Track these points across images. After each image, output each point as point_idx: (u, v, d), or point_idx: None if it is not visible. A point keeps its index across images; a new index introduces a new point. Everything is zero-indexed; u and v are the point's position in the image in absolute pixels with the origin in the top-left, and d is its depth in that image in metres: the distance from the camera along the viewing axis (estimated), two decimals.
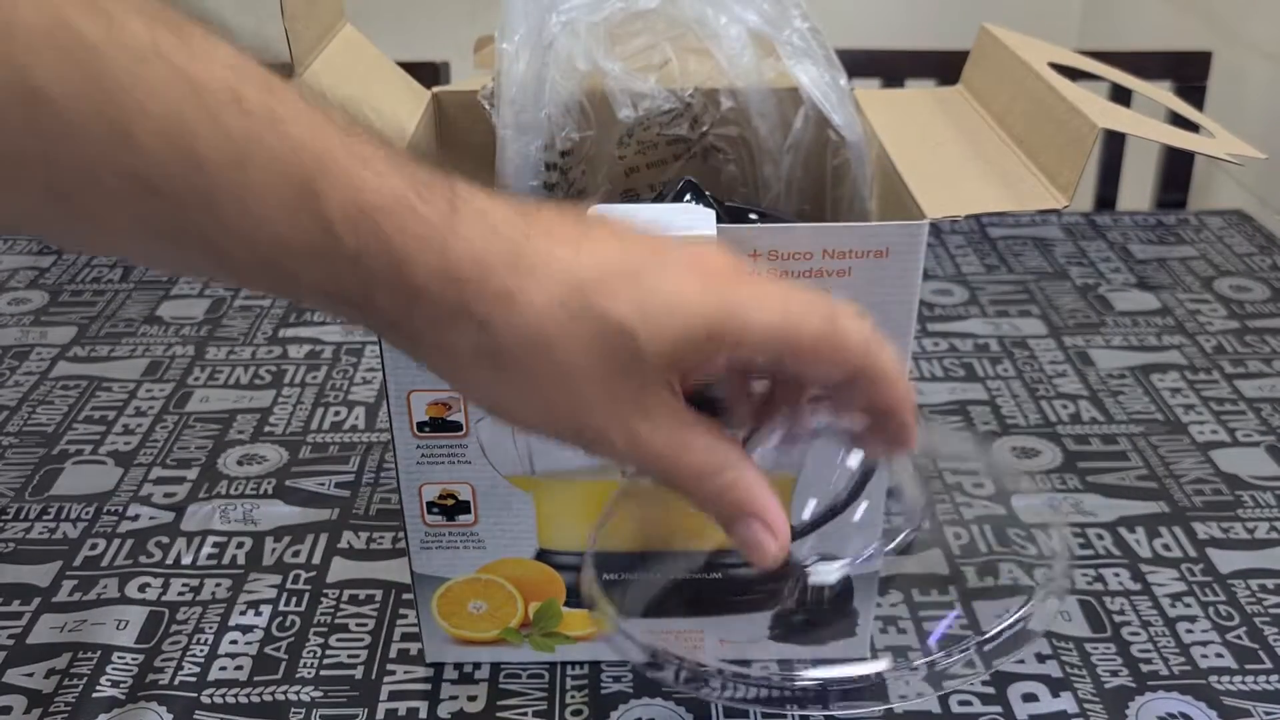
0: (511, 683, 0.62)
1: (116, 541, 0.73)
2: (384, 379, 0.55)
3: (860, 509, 0.55)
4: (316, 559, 0.71)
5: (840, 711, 0.60)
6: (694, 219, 0.51)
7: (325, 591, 0.69)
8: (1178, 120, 0.64)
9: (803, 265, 0.52)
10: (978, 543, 0.73)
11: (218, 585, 0.69)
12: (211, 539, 0.73)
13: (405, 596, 0.68)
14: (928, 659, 0.43)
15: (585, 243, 0.38)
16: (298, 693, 0.62)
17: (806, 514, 0.59)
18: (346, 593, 0.69)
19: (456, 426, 0.56)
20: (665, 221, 0.51)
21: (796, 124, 0.65)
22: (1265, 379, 0.90)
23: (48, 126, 0.32)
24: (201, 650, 0.64)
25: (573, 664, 0.63)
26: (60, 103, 0.32)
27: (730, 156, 0.67)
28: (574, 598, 0.61)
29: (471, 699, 0.61)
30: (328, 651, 0.64)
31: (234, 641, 0.65)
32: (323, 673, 0.63)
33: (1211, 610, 0.67)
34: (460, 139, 0.69)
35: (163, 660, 0.63)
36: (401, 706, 0.61)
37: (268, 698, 0.61)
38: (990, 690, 0.62)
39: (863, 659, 0.51)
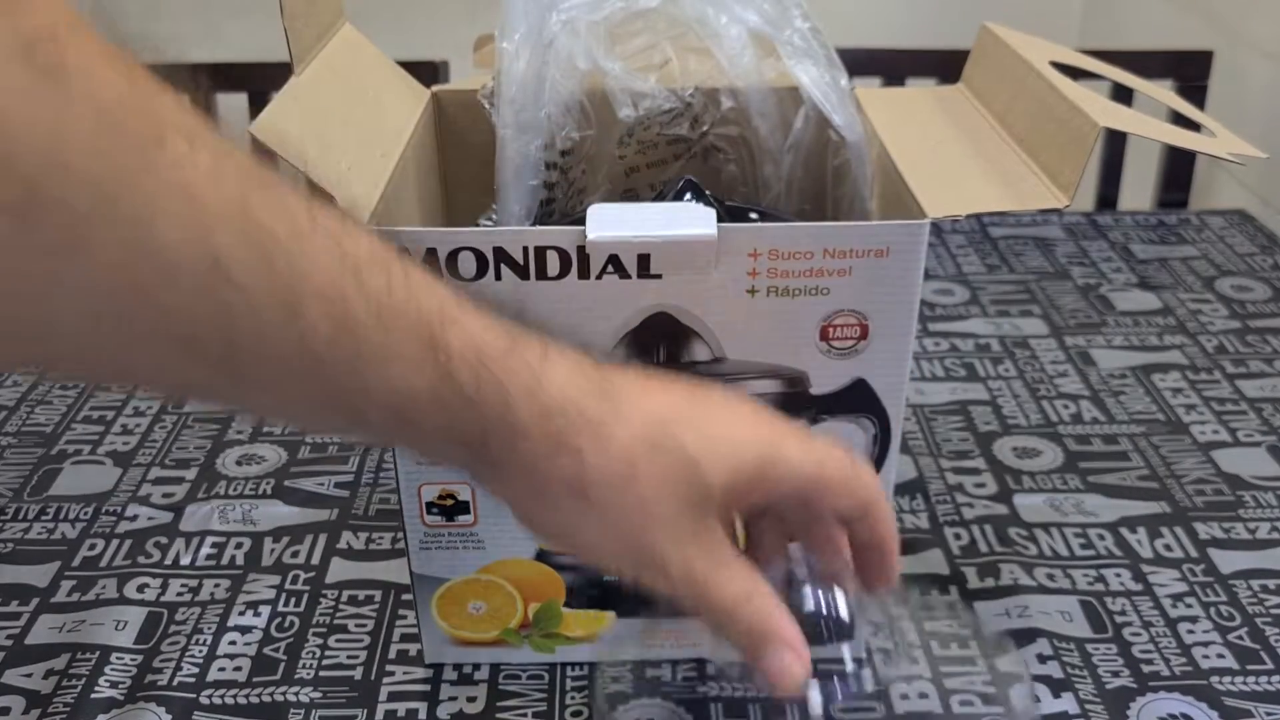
0: (511, 684, 0.62)
1: (115, 542, 0.72)
2: None
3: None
4: (315, 559, 0.71)
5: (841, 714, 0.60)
6: (694, 219, 0.51)
7: (324, 592, 0.69)
8: (1179, 119, 0.63)
9: (803, 265, 0.52)
10: (978, 543, 0.72)
11: (216, 586, 0.69)
12: (210, 539, 0.73)
13: (404, 597, 0.68)
14: None
15: (651, 387, 0.43)
16: (297, 693, 0.62)
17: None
18: (346, 593, 0.69)
19: None
20: (666, 221, 0.51)
21: (797, 124, 0.64)
22: (1267, 379, 0.90)
23: (227, 298, 0.34)
24: (200, 651, 0.64)
25: (572, 665, 0.63)
26: (237, 274, 0.34)
27: (731, 156, 0.67)
28: (574, 598, 0.61)
29: (471, 700, 0.61)
30: (327, 652, 0.64)
31: (233, 642, 0.65)
32: (322, 673, 0.63)
33: (1213, 611, 0.67)
34: (460, 138, 0.69)
35: (161, 661, 0.63)
36: (401, 707, 0.61)
37: (267, 698, 0.61)
38: (991, 690, 0.62)
39: None
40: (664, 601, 0.43)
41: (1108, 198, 1.29)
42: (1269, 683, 0.62)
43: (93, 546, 0.72)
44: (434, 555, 0.60)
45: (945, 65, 1.23)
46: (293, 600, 0.68)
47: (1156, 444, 0.82)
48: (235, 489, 0.77)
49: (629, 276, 0.52)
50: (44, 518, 0.75)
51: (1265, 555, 0.72)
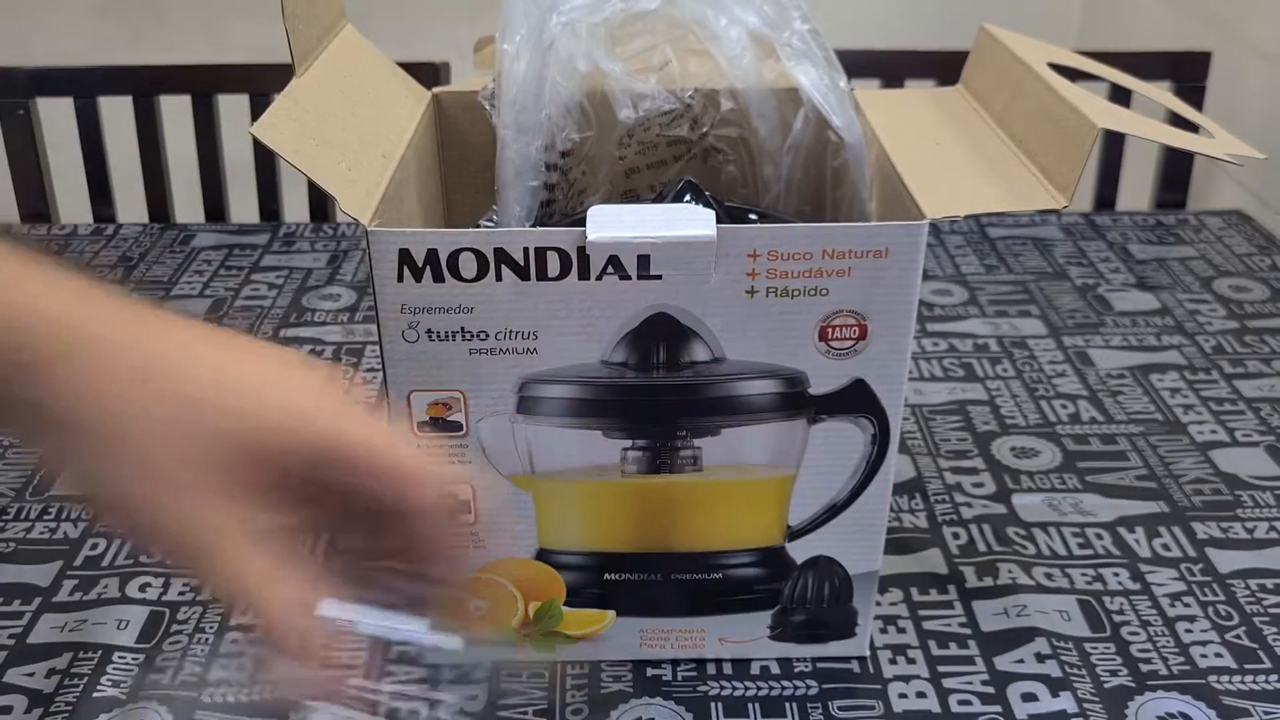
0: (512, 682, 0.62)
1: (117, 541, 0.73)
2: (385, 379, 0.56)
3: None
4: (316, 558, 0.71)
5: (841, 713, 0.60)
6: (694, 220, 0.51)
7: None
8: (1177, 120, 0.64)
9: (802, 265, 0.52)
10: (976, 542, 0.73)
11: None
12: None
13: None
14: None
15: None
16: None
17: (807, 513, 0.59)
18: None
19: (457, 426, 0.56)
20: (665, 222, 0.51)
21: (796, 125, 0.65)
22: (1264, 379, 0.90)
23: None
24: (202, 650, 0.64)
25: (573, 664, 0.64)
26: None
27: (730, 157, 0.67)
28: (574, 597, 0.61)
29: (471, 699, 0.62)
30: None
31: (234, 641, 0.65)
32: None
33: (1211, 610, 0.67)
34: (460, 139, 0.69)
35: (163, 660, 0.63)
36: (402, 707, 0.61)
37: (268, 697, 0.61)
38: (990, 690, 0.62)
39: None
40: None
41: (1106, 198, 1.30)
42: (1267, 682, 0.62)
43: (94, 546, 0.72)
44: None
45: (944, 67, 1.23)
46: None
47: (1154, 444, 0.82)
48: None
49: (629, 277, 0.52)
50: (46, 517, 0.75)
51: (1263, 555, 0.72)
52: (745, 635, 0.63)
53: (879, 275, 0.52)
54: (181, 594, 0.68)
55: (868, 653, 0.64)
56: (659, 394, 0.55)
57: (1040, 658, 0.64)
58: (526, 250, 0.51)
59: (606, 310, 0.53)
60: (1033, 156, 0.55)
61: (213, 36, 1.98)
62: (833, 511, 0.59)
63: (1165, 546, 0.72)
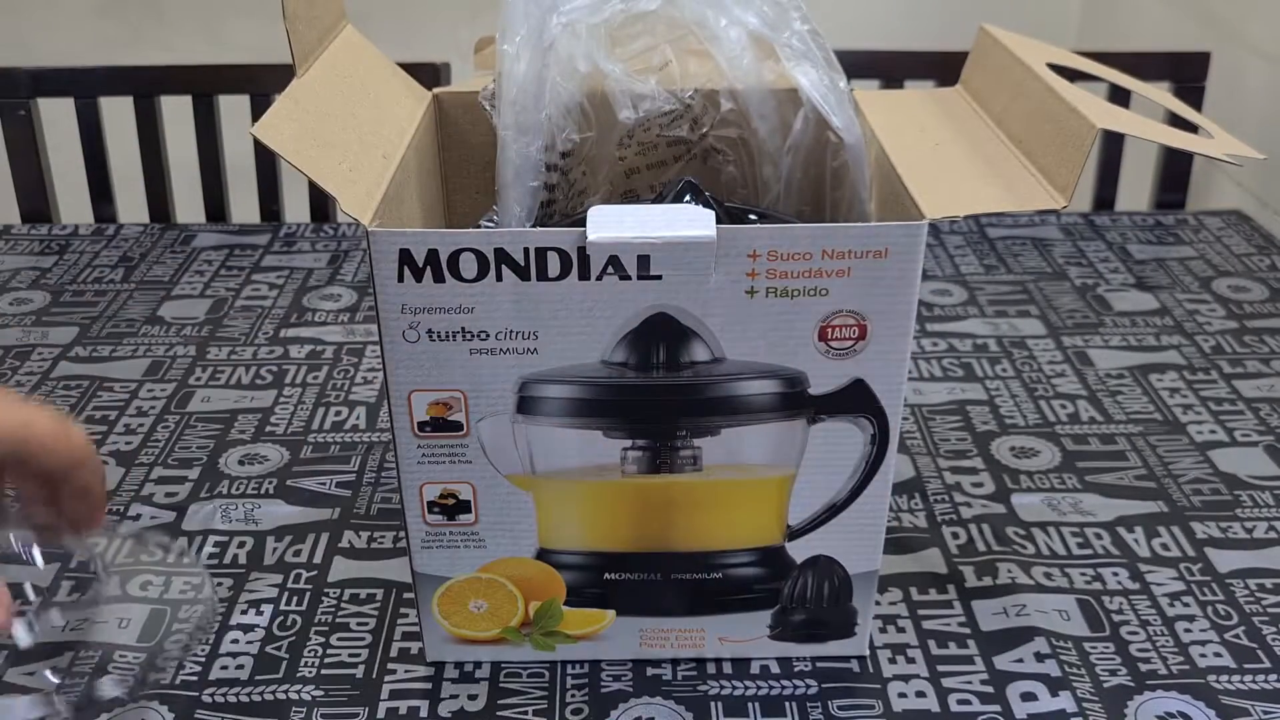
0: (512, 682, 0.63)
1: (118, 541, 0.73)
2: (385, 379, 0.56)
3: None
4: (318, 558, 0.72)
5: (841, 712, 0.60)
6: (694, 220, 0.51)
7: (326, 591, 0.69)
8: (1176, 121, 0.64)
9: (802, 265, 0.52)
10: (976, 542, 0.73)
11: (219, 584, 0.69)
12: (213, 538, 0.73)
13: (406, 596, 0.69)
14: None
15: None
16: (299, 692, 0.62)
17: (807, 513, 0.59)
18: (348, 592, 0.69)
19: (457, 426, 0.56)
20: (665, 222, 0.51)
21: (796, 126, 0.65)
22: (1264, 379, 0.90)
23: None
24: (203, 649, 0.64)
25: (573, 663, 0.64)
26: None
27: (730, 158, 0.67)
28: (574, 597, 0.61)
29: (472, 698, 0.62)
30: (329, 651, 0.65)
31: (235, 641, 0.65)
32: (324, 672, 0.63)
33: (1210, 610, 0.68)
34: (460, 140, 0.69)
35: (164, 659, 0.64)
36: (402, 705, 0.61)
37: (269, 697, 0.62)
38: (989, 690, 0.62)
39: None
40: None
41: (1105, 198, 1.30)
42: (1266, 681, 0.62)
43: (94, 546, 0.72)
44: (435, 554, 0.60)
45: (943, 67, 1.23)
46: (295, 599, 0.68)
47: (1154, 444, 0.82)
48: (238, 488, 0.78)
49: (629, 277, 0.52)
50: None
51: (1262, 554, 0.72)
52: (745, 635, 0.63)
53: (879, 275, 0.52)
54: (182, 593, 0.68)
55: (867, 652, 0.64)
56: (659, 394, 0.55)
57: (1039, 657, 0.64)
58: (527, 250, 0.51)
59: (606, 310, 0.53)
60: (1032, 157, 0.55)
61: (213, 37, 1.98)
62: (832, 511, 0.59)
63: (1164, 546, 0.73)
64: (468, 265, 0.52)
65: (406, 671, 0.63)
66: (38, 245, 1.13)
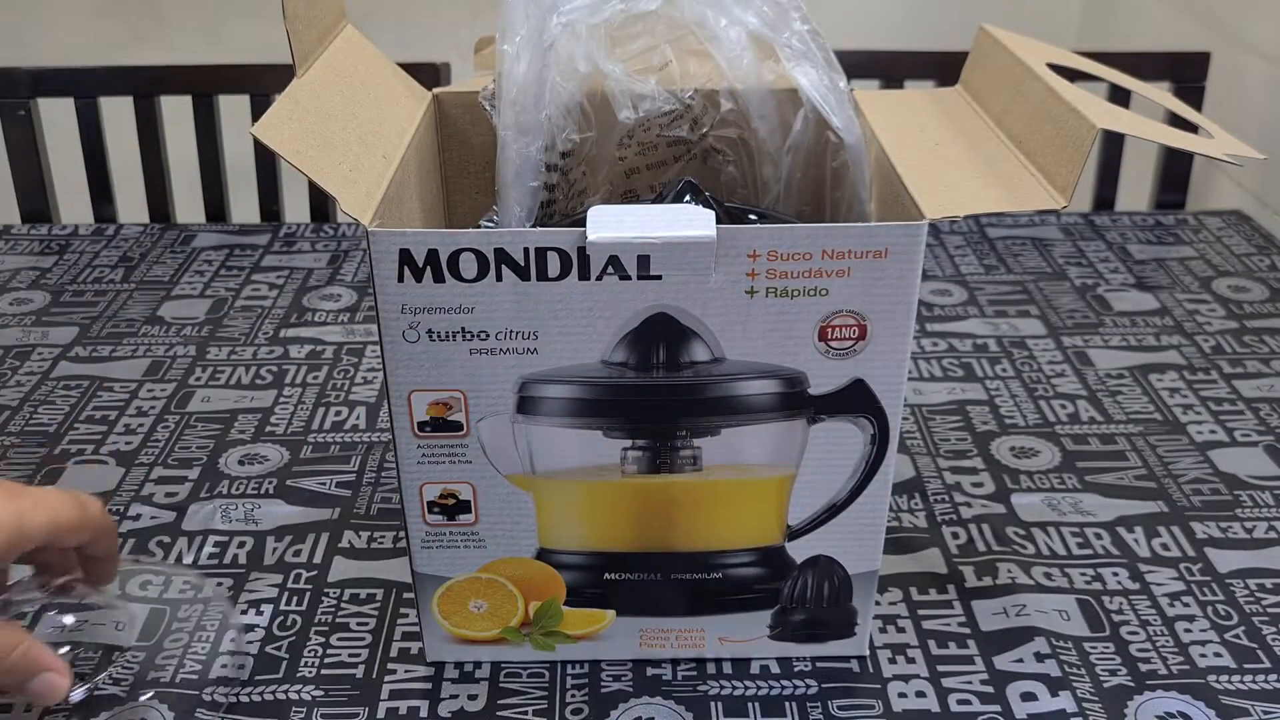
0: (512, 682, 0.63)
1: (118, 540, 0.73)
2: (385, 379, 0.56)
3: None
4: (318, 558, 0.72)
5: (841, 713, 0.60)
6: (694, 220, 0.51)
7: (326, 591, 0.69)
8: (1176, 121, 0.64)
9: (802, 266, 0.52)
10: (976, 542, 0.73)
11: (219, 584, 0.69)
12: (213, 538, 0.73)
13: (406, 596, 0.69)
14: None
15: None
16: (299, 691, 0.62)
17: (807, 513, 0.59)
18: (348, 592, 0.69)
19: (457, 426, 0.56)
20: (665, 222, 0.51)
21: (796, 126, 0.65)
22: (1263, 379, 0.90)
23: None
24: (203, 649, 0.64)
25: (573, 663, 0.64)
26: None
27: (730, 158, 0.67)
28: (574, 597, 0.61)
29: (472, 698, 0.62)
30: (329, 650, 0.65)
31: (235, 640, 0.65)
32: (324, 672, 0.63)
33: (1210, 610, 0.68)
34: (460, 140, 0.69)
35: (164, 659, 0.64)
36: (402, 705, 0.61)
37: (269, 696, 0.62)
38: (989, 689, 0.62)
39: None
40: None
41: (1105, 199, 1.30)
42: (1266, 681, 0.62)
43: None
44: (435, 554, 0.60)
45: (943, 67, 1.23)
46: (295, 599, 0.68)
47: (1154, 444, 0.82)
48: (238, 488, 0.78)
49: (629, 277, 0.52)
50: None
51: (1262, 554, 0.72)
52: (745, 635, 0.63)
53: (879, 275, 0.52)
54: (182, 592, 0.68)
55: (867, 652, 0.64)
56: (659, 394, 0.55)
57: (1039, 657, 0.64)
58: (527, 250, 0.51)
59: (606, 310, 0.53)
60: (1032, 157, 0.55)
61: (213, 37, 1.98)
62: (832, 511, 0.59)
63: (1164, 546, 0.73)
64: (468, 265, 0.52)
65: (406, 671, 0.63)
66: (38, 245, 1.13)
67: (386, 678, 0.63)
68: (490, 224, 0.64)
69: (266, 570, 0.71)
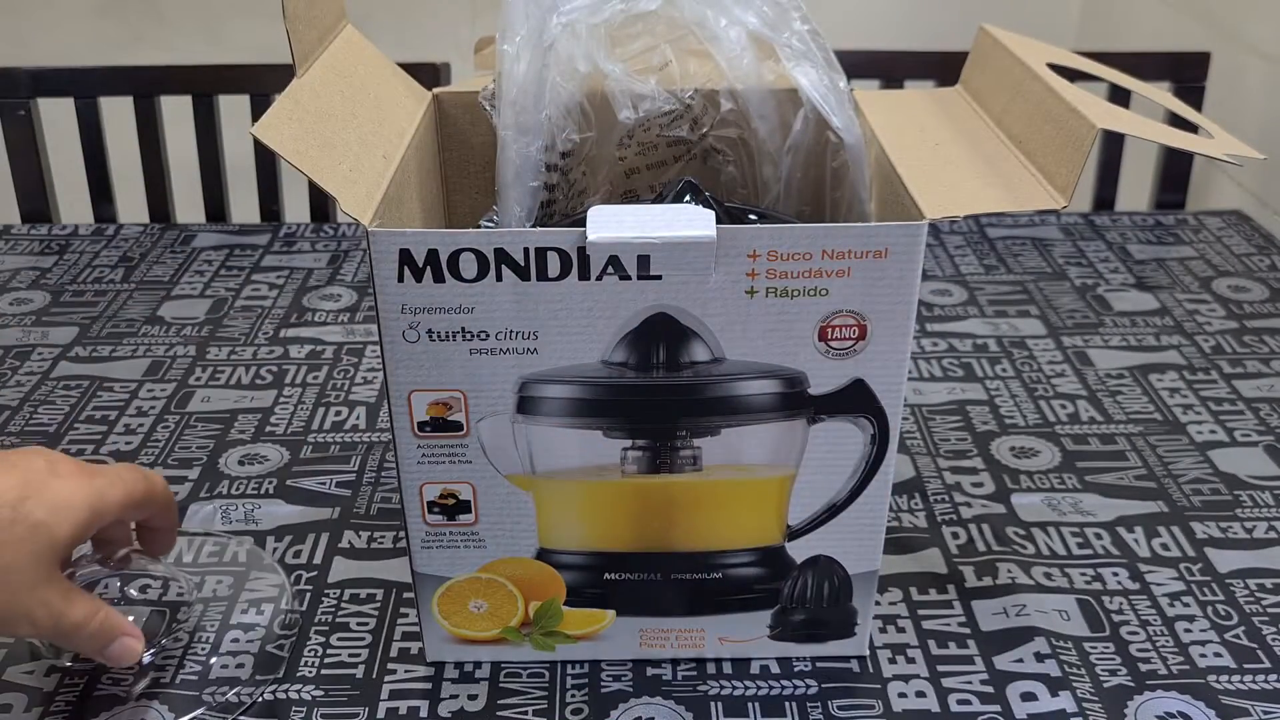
0: (512, 682, 0.63)
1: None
2: (385, 379, 0.56)
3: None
4: (318, 558, 0.72)
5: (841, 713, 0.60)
6: (693, 220, 0.51)
7: (326, 591, 0.69)
8: (1176, 121, 0.64)
9: (802, 266, 0.52)
10: (976, 542, 0.73)
11: (219, 584, 0.69)
12: (213, 538, 0.73)
13: (406, 595, 0.69)
14: None
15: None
16: (299, 691, 0.62)
17: (807, 513, 0.60)
18: (348, 592, 0.69)
19: (457, 426, 0.56)
20: (665, 222, 0.51)
21: (796, 126, 0.65)
22: (1263, 379, 0.90)
23: None
24: (203, 649, 0.64)
25: (573, 663, 0.64)
26: None
27: (730, 158, 0.67)
28: (574, 597, 0.61)
29: (472, 698, 0.62)
30: (329, 650, 0.65)
31: (235, 640, 0.65)
32: (324, 671, 0.63)
33: (1210, 610, 0.68)
34: (460, 140, 0.69)
35: (164, 658, 0.64)
36: (402, 705, 0.61)
37: (269, 697, 0.62)
38: (989, 689, 0.62)
39: None
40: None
41: (1105, 199, 1.30)
42: (1266, 681, 0.62)
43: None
44: (435, 554, 0.60)
45: (943, 67, 1.23)
46: (295, 599, 0.68)
47: (1154, 444, 0.82)
48: (238, 488, 0.78)
49: (629, 277, 0.52)
50: None
51: (1262, 554, 0.72)
52: (745, 635, 0.63)
53: (879, 275, 0.52)
54: (180, 594, 0.68)
55: (867, 652, 0.64)
56: (659, 394, 0.55)
57: (1039, 657, 0.64)
58: (526, 250, 0.51)
59: (606, 310, 0.53)
60: (1032, 157, 0.55)
61: (213, 37, 1.98)
62: (832, 511, 0.59)
63: (1164, 546, 0.73)
64: (468, 265, 0.52)
65: (406, 671, 0.63)
66: (38, 245, 1.13)
67: (386, 678, 0.63)
68: (490, 224, 0.64)
69: (266, 570, 0.70)
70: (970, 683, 0.62)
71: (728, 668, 0.63)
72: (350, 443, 0.83)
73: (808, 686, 0.62)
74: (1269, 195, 1.31)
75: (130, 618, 0.59)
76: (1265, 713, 0.60)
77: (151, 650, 0.63)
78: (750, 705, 0.61)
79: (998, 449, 0.82)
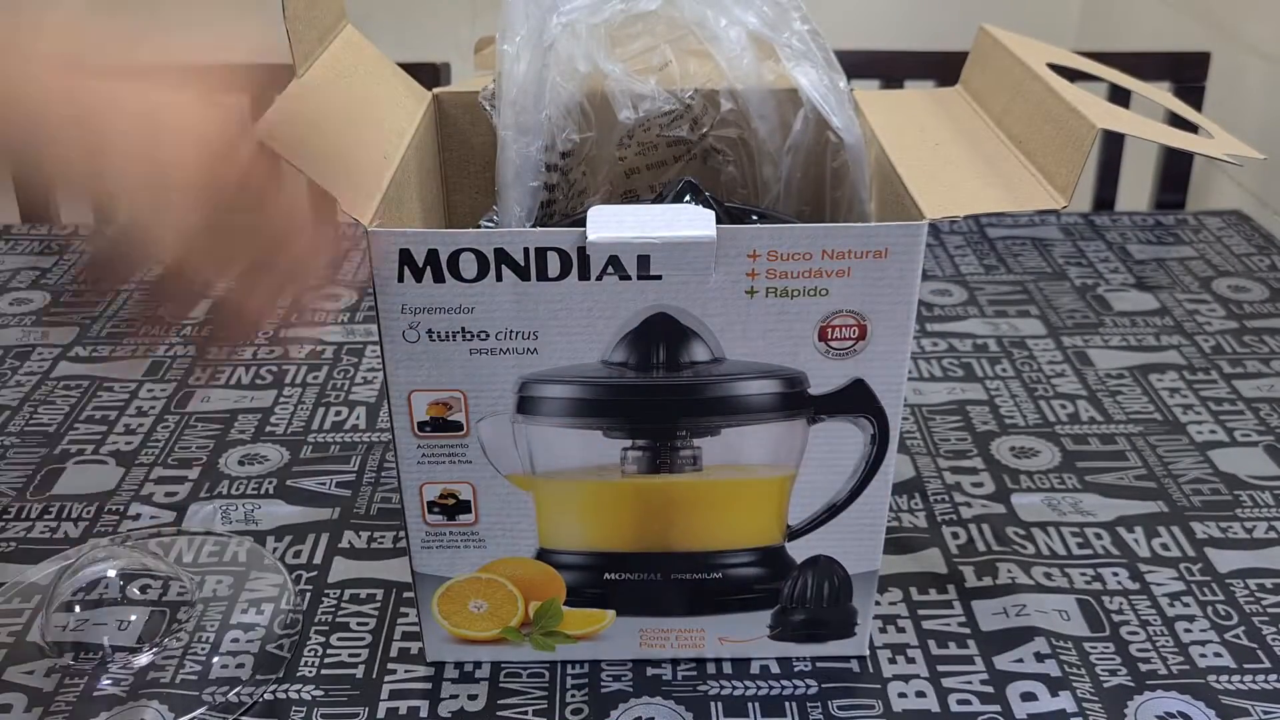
0: (512, 682, 0.63)
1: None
2: (385, 379, 0.56)
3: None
4: (318, 558, 0.72)
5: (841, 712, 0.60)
6: (693, 220, 0.51)
7: (326, 591, 0.69)
8: (1176, 121, 0.64)
9: (802, 266, 0.52)
10: (976, 542, 0.73)
11: (219, 584, 0.69)
12: (213, 538, 0.73)
13: (406, 595, 0.69)
14: None
15: None
16: (299, 691, 0.62)
17: (807, 513, 0.59)
18: (348, 592, 0.69)
19: (457, 426, 0.56)
20: (665, 222, 0.51)
21: (796, 126, 0.65)
22: (1263, 379, 0.90)
23: None
24: (202, 649, 0.64)
25: (573, 663, 0.64)
26: None
27: (730, 158, 0.67)
28: (574, 597, 0.61)
29: (472, 698, 0.62)
30: (329, 650, 0.65)
31: (235, 640, 0.65)
32: (324, 672, 0.63)
33: (1210, 610, 0.68)
34: (461, 140, 0.69)
35: (164, 658, 0.64)
36: (402, 705, 0.61)
37: (269, 697, 0.62)
38: (989, 689, 0.62)
39: None
40: None
41: (1105, 199, 1.30)
42: (1266, 681, 0.62)
43: (95, 546, 0.72)
44: (435, 554, 0.60)
45: (943, 67, 1.23)
46: (295, 599, 0.68)
47: (1154, 444, 0.82)
48: (237, 488, 0.78)
49: (629, 277, 0.52)
50: (47, 517, 0.75)
51: (1262, 554, 0.72)
52: (745, 635, 0.63)
53: (879, 275, 0.52)
54: (181, 593, 0.68)
55: (867, 652, 0.64)
56: (659, 394, 0.55)
57: (1039, 657, 0.64)
58: (526, 250, 0.51)
59: (606, 310, 0.53)
60: (1032, 157, 0.55)
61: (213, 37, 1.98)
62: (832, 511, 0.59)
63: (1164, 546, 0.73)
64: (468, 265, 0.52)
65: (406, 671, 0.63)
66: (38, 245, 1.13)
67: (386, 678, 0.63)
68: (490, 224, 0.64)
69: (267, 570, 0.70)
70: (970, 683, 0.62)
71: (728, 668, 0.63)
72: (350, 443, 0.83)
73: (808, 686, 0.62)
74: (1269, 195, 1.31)
75: (131, 618, 0.59)
76: (1265, 713, 0.60)
77: (152, 650, 0.63)
78: (750, 705, 0.61)
79: (998, 449, 0.82)
